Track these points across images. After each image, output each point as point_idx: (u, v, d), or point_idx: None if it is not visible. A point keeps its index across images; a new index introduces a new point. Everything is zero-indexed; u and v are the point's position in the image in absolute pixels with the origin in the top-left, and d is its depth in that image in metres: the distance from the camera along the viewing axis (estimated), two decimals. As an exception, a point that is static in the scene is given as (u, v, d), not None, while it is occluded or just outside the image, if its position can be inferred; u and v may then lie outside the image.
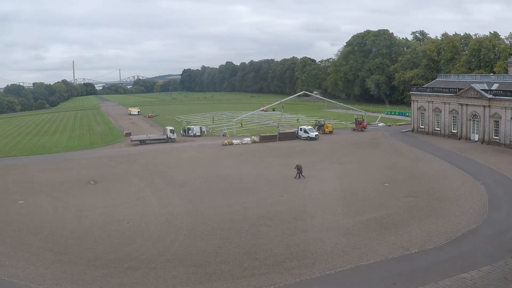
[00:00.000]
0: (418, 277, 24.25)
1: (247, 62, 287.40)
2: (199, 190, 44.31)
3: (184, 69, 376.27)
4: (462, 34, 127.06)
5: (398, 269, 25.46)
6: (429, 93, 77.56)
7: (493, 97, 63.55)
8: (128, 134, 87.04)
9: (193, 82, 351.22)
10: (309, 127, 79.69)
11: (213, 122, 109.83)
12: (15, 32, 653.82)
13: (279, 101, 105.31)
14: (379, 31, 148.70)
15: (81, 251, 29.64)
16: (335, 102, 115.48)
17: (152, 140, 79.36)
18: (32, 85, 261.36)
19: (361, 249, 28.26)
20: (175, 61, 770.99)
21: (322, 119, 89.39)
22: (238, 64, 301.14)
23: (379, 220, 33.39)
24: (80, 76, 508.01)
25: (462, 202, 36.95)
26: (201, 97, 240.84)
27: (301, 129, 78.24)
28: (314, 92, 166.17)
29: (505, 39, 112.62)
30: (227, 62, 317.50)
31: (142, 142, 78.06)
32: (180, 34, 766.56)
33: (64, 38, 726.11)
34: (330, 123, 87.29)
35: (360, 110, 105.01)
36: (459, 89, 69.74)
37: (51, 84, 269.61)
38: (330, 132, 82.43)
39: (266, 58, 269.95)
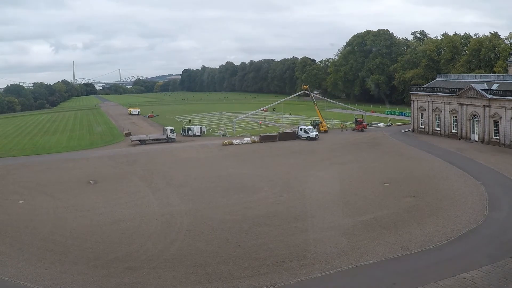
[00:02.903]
0: (418, 277, 24.26)
1: (247, 62, 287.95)
2: (199, 190, 44.31)
3: (184, 69, 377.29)
4: (462, 34, 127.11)
5: (398, 269, 25.47)
6: (429, 93, 77.54)
7: (493, 97, 63.52)
8: (128, 134, 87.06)
9: (193, 82, 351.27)
10: (309, 127, 79.71)
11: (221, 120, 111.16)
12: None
13: (279, 101, 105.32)
14: (379, 31, 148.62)
15: (81, 251, 29.65)
16: (335, 102, 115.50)
17: (152, 140, 79.39)
18: (32, 85, 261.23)
19: (361, 249, 28.27)
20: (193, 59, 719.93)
21: (318, 119, 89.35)
22: (238, 64, 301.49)
23: (379, 220, 33.39)
24: (80, 77, 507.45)
25: (462, 202, 36.95)
26: (218, 98, 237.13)
27: (301, 129, 78.21)
28: (314, 92, 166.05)
29: (505, 39, 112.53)
30: (227, 62, 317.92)
31: (142, 142, 78.07)
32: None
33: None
34: (325, 122, 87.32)
35: (359, 110, 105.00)
36: (459, 89, 69.72)
37: (51, 84, 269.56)
38: (326, 131, 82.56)
39: (266, 58, 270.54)
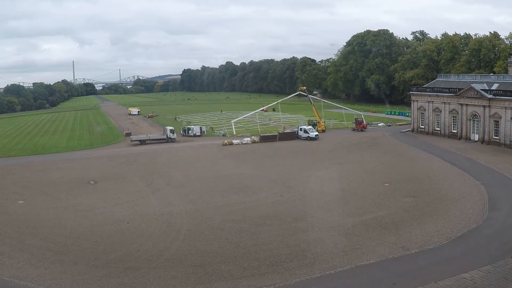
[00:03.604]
0: (418, 277, 24.26)
1: (247, 62, 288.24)
2: (199, 190, 44.29)
3: (184, 69, 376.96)
4: (462, 34, 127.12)
5: (398, 269, 25.46)
6: (429, 93, 77.54)
7: (493, 97, 63.51)
8: (128, 134, 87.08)
9: (193, 82, 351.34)
10: (309, 127, 79.73)
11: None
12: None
13: (276, 102, 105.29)
14: (379, 31, 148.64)
15: (81, 251, 29.64)
16: (332, 102, 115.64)
17: (152, 140, 79.41)
18: (32, 85, 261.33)
19: (361, 249, 28.26)
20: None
21: (315, 119, 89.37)
22: (238, 64, 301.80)
23: (379, 220, 33.38)
24: (80, 76, 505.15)
25: (462, 202, 36.94)
26: (217, 98, 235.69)
27: (301, 129, 78.20)
28: (314, 92, 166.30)
29: (505, 39, 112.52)
30: (227, 62, 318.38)
31: (142, 142, 78.09)
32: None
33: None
34: (323, 122, 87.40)
35: (358, 110, 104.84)
36: (459, 89, 69.72)
37: (51, 84, 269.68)
38: (323, 131, 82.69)
39: (266, 58, 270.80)
